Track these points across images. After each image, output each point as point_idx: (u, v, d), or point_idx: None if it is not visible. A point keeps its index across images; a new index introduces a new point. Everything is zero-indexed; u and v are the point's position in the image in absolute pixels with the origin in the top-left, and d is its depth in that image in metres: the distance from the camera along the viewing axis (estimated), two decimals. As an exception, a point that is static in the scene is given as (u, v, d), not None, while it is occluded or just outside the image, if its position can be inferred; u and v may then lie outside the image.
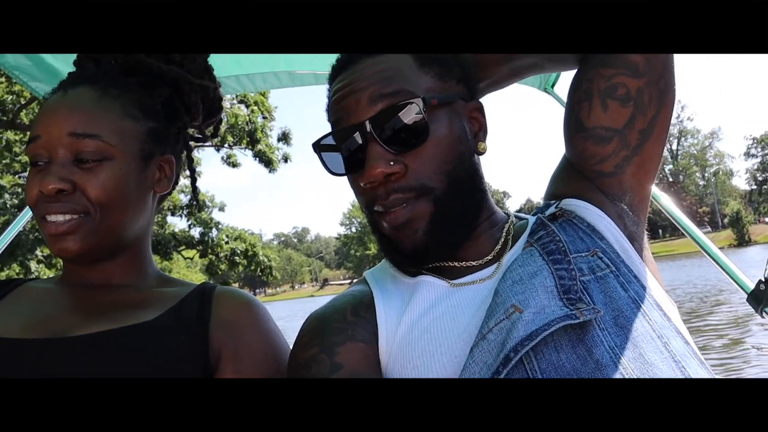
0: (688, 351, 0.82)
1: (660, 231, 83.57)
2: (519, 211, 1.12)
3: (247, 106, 16.91)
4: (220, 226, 17.98)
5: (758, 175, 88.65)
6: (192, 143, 1.29)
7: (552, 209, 1.02)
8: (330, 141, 0.96)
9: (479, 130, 1.00)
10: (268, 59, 2.06)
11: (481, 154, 0.99)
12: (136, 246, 1.10)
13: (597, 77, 0.97)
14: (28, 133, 1.13)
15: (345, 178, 1.01)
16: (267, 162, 16.75)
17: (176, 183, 1.18)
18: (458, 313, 0.89)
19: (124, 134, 1.02)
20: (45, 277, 1.25)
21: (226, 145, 16.93)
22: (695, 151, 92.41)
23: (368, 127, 0.90)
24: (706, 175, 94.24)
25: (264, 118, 17.29)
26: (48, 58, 1.73)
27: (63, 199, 0.96)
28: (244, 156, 17.42)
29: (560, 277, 0.84)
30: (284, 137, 18.26)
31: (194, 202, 1.30)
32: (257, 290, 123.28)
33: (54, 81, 1.46)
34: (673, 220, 1.79)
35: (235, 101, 16.65)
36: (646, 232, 1.02)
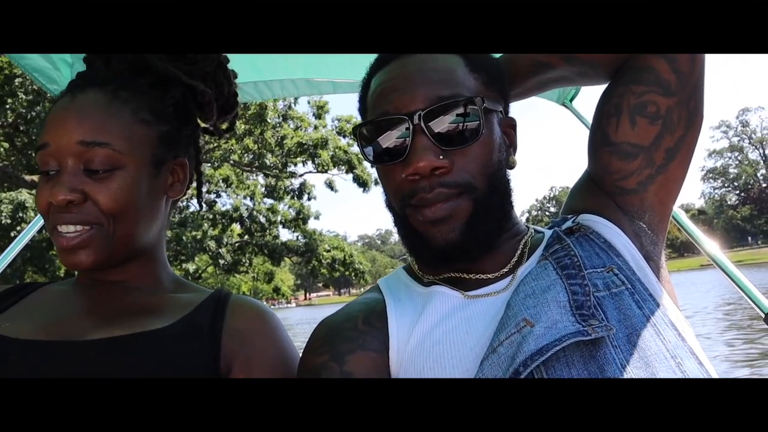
0: (703, 373, 0.80)
1: (749, 238, 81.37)
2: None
3: (345, 137, 20.24)
4: (322, 237, 21.56)
5: None
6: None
7: (569, 223, 1.01)
8: (373, 127, 0.95)
9: (510, 145, 1.01)
10: (286, 66, 2.02)
11: (512, 167, 1.00)
12: (150, 252, 1.09)
13: (628, 93, 0.96)
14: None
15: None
16: (363, 184, 19.94)
17: (190, 185, 1.16)
18: (471, 325, 0.89)
19: (135, 141, 0.99)
20: None
21: (329, 172, 20.41)
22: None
23: (419, 119, 0.89)
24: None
25: (351, 142, 20.41)
26: (65, 59, 1.74)
27: (74, 210, 0.95)
28: (343, 180, 20.71)
29: (573, 292, 0.84)
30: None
31: (200, 206, 1.28)
32: (342, 290, 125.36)
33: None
34: (691, 238, 1.79)
35: (334, 132, 20.12)
36: (664, 252, 1.01)
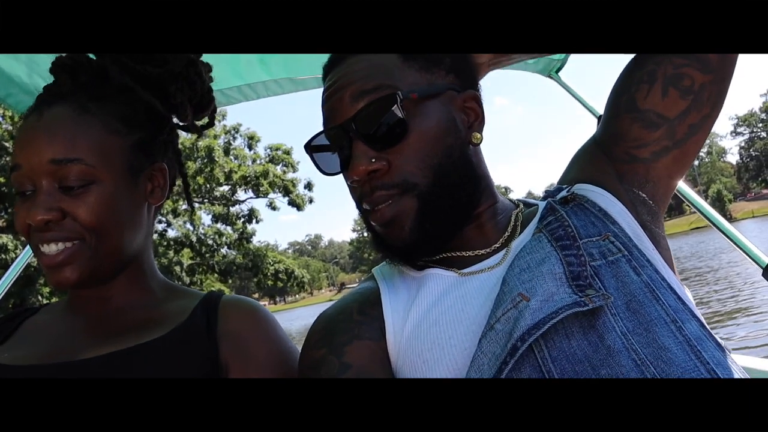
0: (704, 334, 0.79)
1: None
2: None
3: (276, 164, 23.24)
4: (266, 253, 24.59)
5: (743, 152, 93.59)
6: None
7: (563, 193, 1.00)
8: (323, 141, 0.96)
9: (475, 120, 0.97)
10: (268, 67, 2.02)
11: (476, 144, 0.97)
12: (136, 262, 1.06)
13: (666, 62, 0.94)
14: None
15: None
16: (298, 207, 22.83)
17: (172, 188, 1.14)
18: (467, 303, 0.88)
19: (108, 153, 0.97)
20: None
21: (268, 196, 23.45)
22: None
23: (351, 125, 0.89)
24: (700, 154, 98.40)
25: (285, 169, 23.75)
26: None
27: (54, 228, 0.93)
28: (281, 202, 23.73)
29: (569, 263, 0.83)
30: (308, 186, 24.95)
31: (190, 207, 1.26)
32: (278, 299, 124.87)
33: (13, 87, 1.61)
34: (686, 201, 1.85)
35: (270, 162, 23.10)
36: (662, 222, 1.00)
